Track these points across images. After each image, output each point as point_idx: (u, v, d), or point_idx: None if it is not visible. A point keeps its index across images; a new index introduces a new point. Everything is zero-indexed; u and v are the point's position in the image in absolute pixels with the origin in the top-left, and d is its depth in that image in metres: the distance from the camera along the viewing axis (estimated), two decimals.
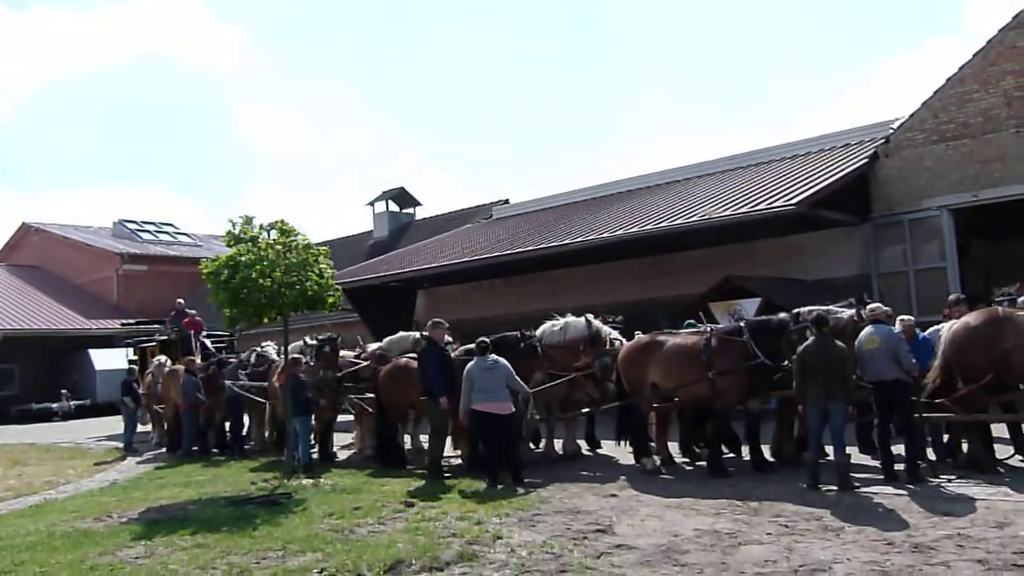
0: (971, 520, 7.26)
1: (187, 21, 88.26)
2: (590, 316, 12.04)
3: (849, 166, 16.58)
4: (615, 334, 12.16)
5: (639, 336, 11.88)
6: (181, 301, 22.24)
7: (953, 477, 9.18)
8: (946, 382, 9.60)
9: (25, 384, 33.95)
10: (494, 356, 10.76)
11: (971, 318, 9.71)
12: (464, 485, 10.41)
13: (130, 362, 23.77)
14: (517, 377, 10.74)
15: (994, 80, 15.42)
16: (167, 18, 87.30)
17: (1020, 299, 10.04)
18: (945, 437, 10.39)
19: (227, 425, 16.63)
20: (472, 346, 12.18)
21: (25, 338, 33.58)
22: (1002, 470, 9.35)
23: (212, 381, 16.52)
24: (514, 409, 10.65)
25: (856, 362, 9.42)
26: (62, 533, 9.13)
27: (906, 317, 10.62)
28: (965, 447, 9.90)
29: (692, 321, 12.78)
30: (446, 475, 11.18)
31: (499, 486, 10.15)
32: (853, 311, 10.04)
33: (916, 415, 9.37)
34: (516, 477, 10.38)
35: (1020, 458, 9.81)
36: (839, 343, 9.25)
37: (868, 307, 9.89)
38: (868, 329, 9.49)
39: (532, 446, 12.81)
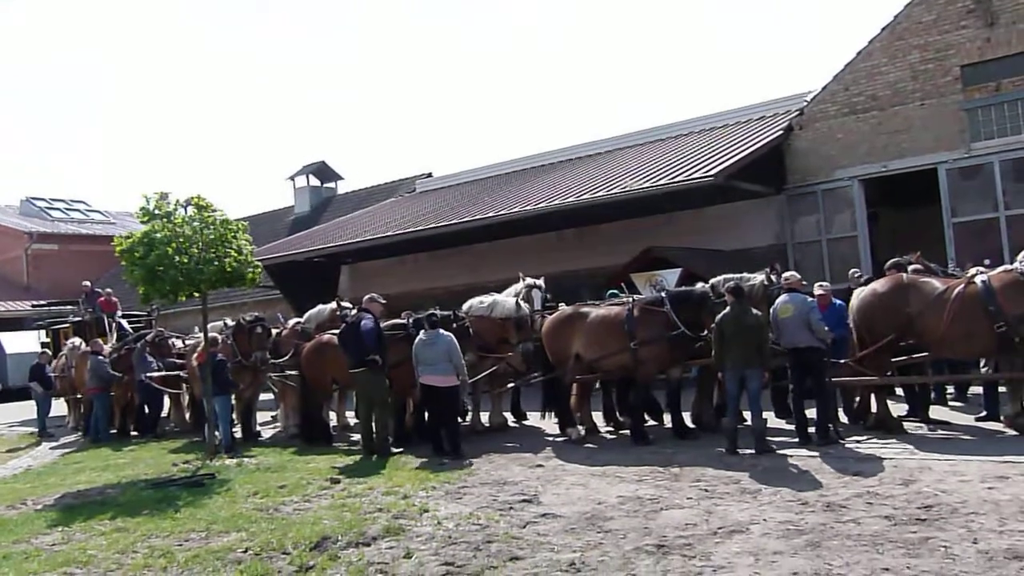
0: (879, 479, 7.60)
1: None
2: (521, 301, 12.11)
3: (765, 138, 16.94)
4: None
5: (562, 308, 12.01)
6: (88, 283, 21.55)
7: (863, 438, 9.58)
8: (858, 346, 9.98)
9: None
10: (436, 330, 10.72)
11: (878, 284, 10.11)
12: (394, 461, 10.40)
13: (42, 345, 22.95)
14: (459, 351, 10.70)
15: (901, 54, 15.92)
16: None
17: (911, 266, 10.45)
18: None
19: (144, 408, 16.23)
20: (398, 321, 12.17)
21: None
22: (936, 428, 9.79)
23: (125, 362, 16.08)
24: (456, 382, 10.66)
25: (771, 329, 9.70)
26: None
27: (824, 284, 11.00)
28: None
29: (615, 291, 12.95)
30: (396, 451, 10.98)
31: (443, 458, 10.21)
32: (763, 277, 10.31)
33: (827, 380, 9.70)
34: (455, 448, 10.43)
35: (914, 419, 10.30)
36: (755, 311, 9.51)
37: (783, 276, 10.16)
38: (783, 297, 9.77)
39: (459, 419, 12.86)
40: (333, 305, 14.32)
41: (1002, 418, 9.63)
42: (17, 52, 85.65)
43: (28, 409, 20.43)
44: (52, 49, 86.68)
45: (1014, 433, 9.13)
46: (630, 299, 11.31)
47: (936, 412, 10.86)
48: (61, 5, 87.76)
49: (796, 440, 9.49)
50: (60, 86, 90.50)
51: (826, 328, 9.53)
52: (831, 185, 16.71)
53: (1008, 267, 9.68)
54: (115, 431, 16.32)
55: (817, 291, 10.38)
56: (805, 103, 17.29)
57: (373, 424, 11.05)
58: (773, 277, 10.25)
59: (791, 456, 8.88)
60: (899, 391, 11.30)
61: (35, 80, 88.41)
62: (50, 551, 7.32)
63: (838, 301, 10.79)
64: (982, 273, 9.53)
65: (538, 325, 11.98)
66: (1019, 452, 8.12)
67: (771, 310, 9.75)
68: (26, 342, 29.21)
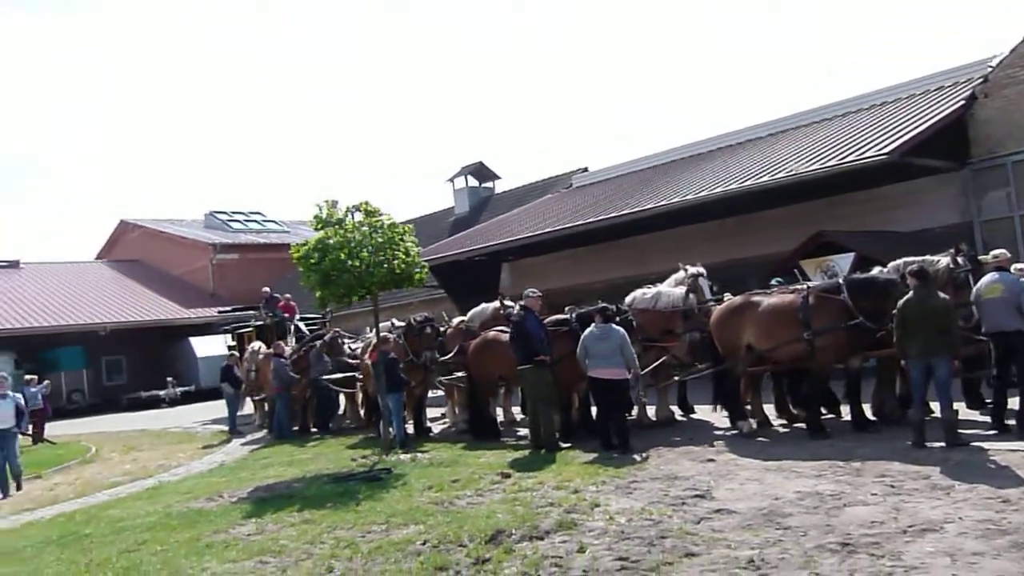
0: None
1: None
2: (674, 287, 11.92)
3: (944, 110, 15.75)
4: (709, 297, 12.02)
5: (731, 297, 11.65)
6: (267, 289, 22.85)
7: None
8: None
9: (133, 373, 35.59)
10: (608, 324, 10.69)
11: None
12: (562, 456, 10.44)
13: (229, 348, 24.57)
14: (630, 344, 10.63)
15: None
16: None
17: None
18: None
19: (321, 406, 17.12)
20: (561, 316, 12.21)
21: (130, 330, 35.11)
22: None
23: (303, 363, 17.00)
24: (628, 375, 10.60)
25: (972, 311, 9.02)
26: (178, 513, 9.57)
27: (1021, 265, 10.14)
28: None
29: (780, 279, 12.46)
30: (564, 446, 11.03)
31: (612, 452, 10.17)
32: (949, 259, 9.61)
33: None
34: (624, 442, 10.37)
35: None
36: (941, 294, 8.88)
37: (991, 254, 9.42)
38: (989, 276, 9.07)
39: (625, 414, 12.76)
40: (496, 303, 14.54)
41: None
42: (197, 78, 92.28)
43: (217, 408, 21.97)
44: (231, 73, 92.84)
45: None
46: (805, 286, 10.81)
47: None
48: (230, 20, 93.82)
49: (993, 432, 8.80)
50: (229, 103, 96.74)
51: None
52: (1023, 157, 15.35)
53: None
54: (297, 428, 17.26)
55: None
56: (990, 68, 15.96)
57: (541, 419, 11.13)
58: (960, 259, 9.52)
59: (987, 450, 8.23)
60: None
61: (215, 104, 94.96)
62: (246, 541, 7.82)
63: None
64: None
65: (708, 314, 11.70)
66: None
67: (975, 289, 9.07)
68: (214, 346, 31.44)
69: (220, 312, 30.87)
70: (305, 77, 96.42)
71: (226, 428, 19.14)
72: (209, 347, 32.74)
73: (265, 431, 18.21)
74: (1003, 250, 9.62)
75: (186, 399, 32.03)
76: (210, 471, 13.42)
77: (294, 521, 8.39)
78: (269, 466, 12.82)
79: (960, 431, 8.70)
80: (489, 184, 33.71)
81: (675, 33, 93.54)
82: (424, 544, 6.91)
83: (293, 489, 10.34)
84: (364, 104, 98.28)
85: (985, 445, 8.41)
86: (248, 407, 20.62)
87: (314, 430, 17.12)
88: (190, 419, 23.88)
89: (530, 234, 20.90)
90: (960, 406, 9.26)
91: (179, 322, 35.98)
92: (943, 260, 9.64)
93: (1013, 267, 9.75)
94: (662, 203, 17.80)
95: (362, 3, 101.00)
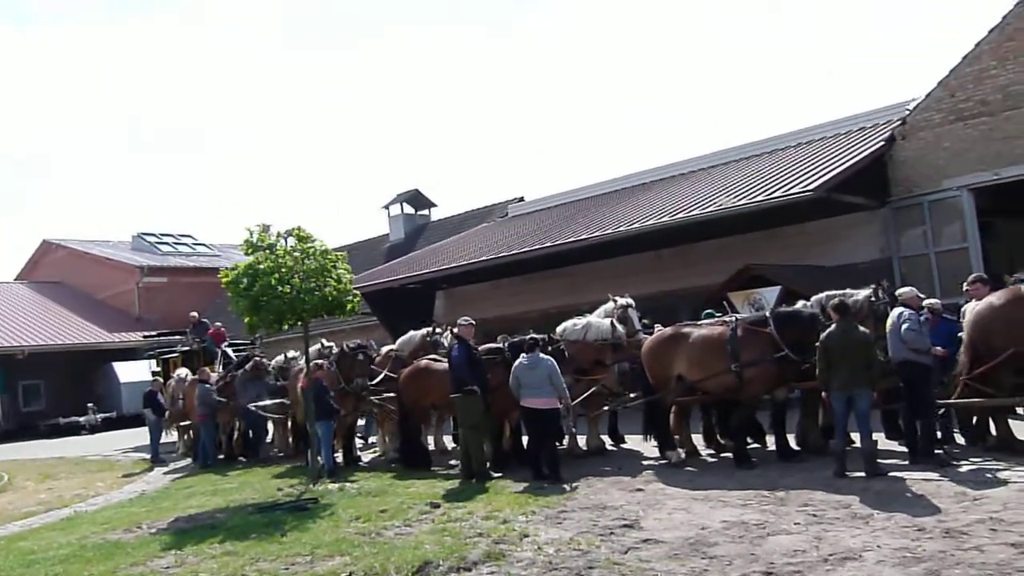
0: (1003, 503, 7.17)
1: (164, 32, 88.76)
2: (616, 321, 12.05)
3: (866, 149, 16.38)
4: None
5: (662, 328, 11.82)
6: (195, 314, 22.43)
7: (983, 459, 9.08)
8: (973, 362, 9.49)
9: (51, 399, 34.30)
10: (537, 354, 10.71)
11: (995, 298, 9.59)
12: (493, 485, 10.40)
13: (153, 374, 23.96)
14: (559, 374, 10.66)
15: (1012, 55, 15.17)
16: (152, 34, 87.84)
17: None
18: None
19: (249, 433, 16.77)
20: (494, 345, 12.23)
21: (50, 353, 33.87)
22: None
23: (230, 389, 16.67)
24: (558, 404, 10.63)
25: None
26: (93, 545, 9.22)
27: (933, 301, 10.53)
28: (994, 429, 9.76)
29: (711, 311, 12.70)
30: (495, 475, 11.01)
31: (543, 482, 10.17)
32: (869, 292, 9.92)
33: (930, 397, 9.25)
34: (555, 471, 10.38)
35: None
36: (862, 328, 9.16)
37: (898, 292, 9.74)
38: (894, 311, 9.42)
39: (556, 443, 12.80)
40: (424, 331, 14.50)
41: None
42: (130, 97, 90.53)
43: (141, 436, 21.31)
44: (166, 94, 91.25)
45: None
46: (733, 319, 11.03)
47: None
48: (161, 41, 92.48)
49: (908, 462, 9.07)
50: (169, 126, 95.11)
51: (914, 337, 9.05)
52: (938, 196, 16.00)
53: None
54: (222, 456, 16.87)
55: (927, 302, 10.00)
56: (907, 112, 16.65)
57: (471, 448, 11.09)
58: (880, 292, 9.85)
59: (905, 479, 8.48)
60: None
61: (146, 121, 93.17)
62: (165, 573, 7.58)
63: (948, 316, 10.33)
64: None
65: (637, 345, 11.84)
66: None
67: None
68: (138, 371, 30.58)
69: (145, 337, 30.09)
70: (237, 100, 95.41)
71: (148, 456, 18.58)
72: (133, 372, 31.82)
73: (189, 460, 17.74)
74: (911, 288, 9.92)
75: (107, 426, 31.02)
76: (130, 501, 12.99)
77: (216, 553, 8.16)
78: (192, 496, 12.48)
79: (879, 461, 8.94)
80: (425, 211, 33.70)
81: (611, 64, 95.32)
82: (349, 575, 6.79)
83: (216, 519, 10.07)
84: (300, 129, 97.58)
85: (902, 474, 8.66)
86: (173, 435, 20.06)
87: (240, 458, 16.74)
88: (111, 447, 23.11)
89: (465, 262, 20.93)
90: (879, 436, 9.52)
91: (102, 346, 34.88)
92: (863, 294, 9.95)
93: (925, 302, 10.16)
94: (596, 234, 18.03)
95: (296, 25, 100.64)
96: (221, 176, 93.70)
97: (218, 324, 21.72)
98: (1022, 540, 6.08)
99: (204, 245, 43.62)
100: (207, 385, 16.66)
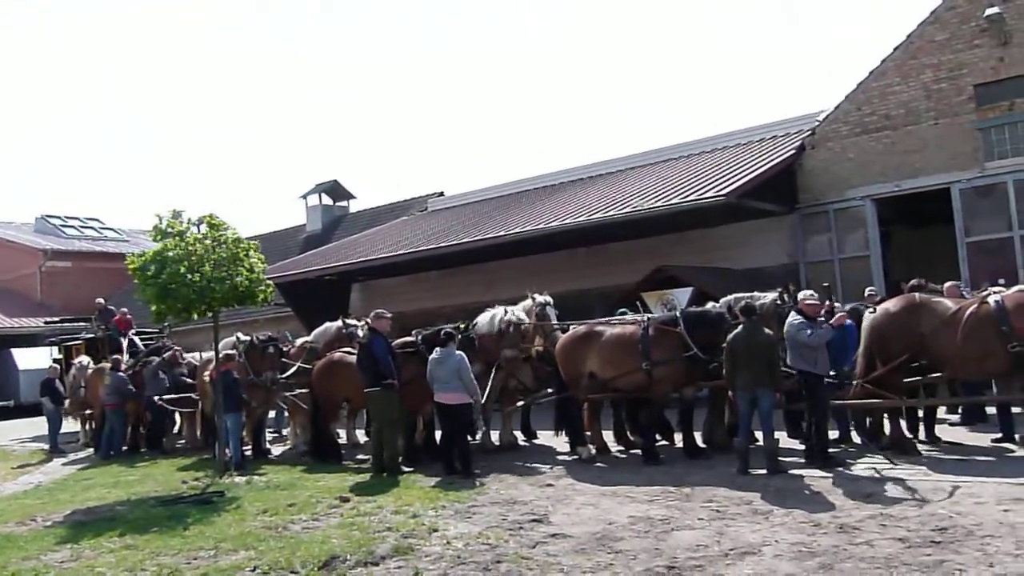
0: (893, 500, 7.52)
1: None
2: (507, 308, 12.21)
3: (776, 157, 16.91)
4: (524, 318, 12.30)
5: (575, 327, 11.97)
6: (101, 300, 21.71)
7: (876, 458, 9.49)
8: (869, 366, 9.91)
9: None
10: (448, 348, 10.70)
11: (891, 304, 10.05)
12: (404, 479, 10.36)
13: (54, 361, 23.07)
14: (469, 369, 10.67)
15: (914, 73, 15.88)
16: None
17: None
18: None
19: (154, 424, 16.31)
20: (408, 339, 12.19)
21: None
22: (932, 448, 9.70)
23: (138, 379, 16.21)
24: (467, 399, 10.64)
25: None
26: None
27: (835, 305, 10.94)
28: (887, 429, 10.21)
29: (624, 309, 12.93)
30: (406, 470, 10.93)
31: (454, 477, 10.18)
32: (775, 295, 10.23)
33: (825, 403, 9.58)
34: (466, 466, 10.40)
35: (925, 441, 10.26)
36: (767, 330, 9.45)
37: (799, 295, 9.98)
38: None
39: (469, 438, 12.83)
40: (339, 323, 14.36)
41: (1017, 439, 9.53)
42: (34, 70, 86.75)
43: (40, 426, 20.51)
44: (67, 66, 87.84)
45: None
46: (645, 318, 11.24)
47: (952, 433, 10.81)
48: (70, 22, 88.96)
49: (806, 461, 9.43)
50: (72, 104, 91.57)
51: (807, 339, 9.31)
52: (843, 205, 16.65)
53: (1022, 287, 9.61)
54: (126, 448, 16.39)
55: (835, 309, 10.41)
56: (817, 123, 17.27)
57: (385, 443, 11.03)
58: (785, 296, 10.18)
59: (803, 477, 8.80)
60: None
61: (47, 98, 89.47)
62: (59, 568, 7.31)
63: (848, 321, 10.75)
64: (995, 293, 9.47)
65: (554, 340, 11.97)
66: None
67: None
68: (38, 359, 29.33)
69: (47, 323, 28.92)
70: (157, 80, 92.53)
71: (46, 446, 17.88)
72: (33, 359, 30.44)
73: (91, 450, 17.15)
74: (810, 291, 10.11)
75: (4, 414, 29.66)
76: (24, 492, 12.48)
77: (114, 547, 7.91)
78: (91, 487, 12.07)
79: (780, 459, 9.25)
80: (343, 203, 33.26)
81: (539, 62, 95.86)
82: (254, 570, 6.68)
83: (116, 512, 9.76)
84: (218, 113, 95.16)
85: (801, 472, 8.99)
86: (73, 424, 19.36)
87: (144, 450, 16.27)
88: (7, 436, 22.13)
89: (382, 255, 20.77)
90: (781, 435, 9.86)
91: (0, 332, 33.38)
92: (769, 297, 10.28)
93: (836, 307, 10.56)
94: (514, 231, 18.14)
95: (218, 4, 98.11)
96: (133, 160, 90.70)
97: (124, 311, 21.04)
98: (909, 535, 6.39)
99: (112, 230, 42.13)
100: (120, 374, 16.15)
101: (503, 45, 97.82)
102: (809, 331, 9.28)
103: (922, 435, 10.49)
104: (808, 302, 9.64)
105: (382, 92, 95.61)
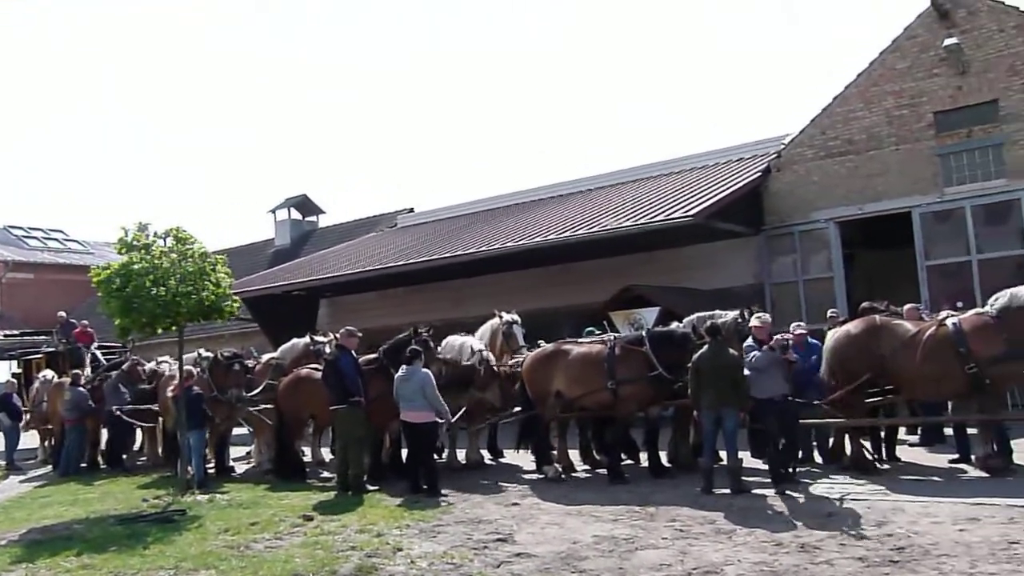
0: (853, 520, 7.63)
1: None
2: (480, 342, 12.42)
3: (743, 179, 17.14)
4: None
5: (543, 345, 12.02)
6: (63, 314, 21.39)
7: (837, 478, 9.62)
8: (831, 387, 10.05)
9: None
10: (414, 366, 10.66)
11: (851, 326, 10.22)
12: (369, 498, 10.30)
13: (12, 375, 22.64)
14: (434, 387, 10.63)
15: (876, 100, 16.21)
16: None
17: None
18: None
19: (114, 441, 16.07)
20: (374, 355, 12.15)
21: None
22: (887, 465, 9.84)
23: (98, 394, 15.96)
24: (432, 418, 10.59)
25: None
26: None
27: (798, 326, 11.12)
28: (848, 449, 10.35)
29: (591, 328, 13.00)
30: (371, 488, 10.88)
31: (419, 495, 10.14)
32: (736, 314, 10.35)
33: (780, 427, 9.66)
34: (432, 485, 10.36)
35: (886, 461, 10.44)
36: (732, 351, 9.55)
37: (755, 317, 9.97)
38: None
39: (435, 456, 12.80)
40: (306, 339, 14.28)
41: (973, 460, 9.71)
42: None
43: None
44: (26, 72, 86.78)
45: (985, 474, 9.20)
46: (612, 337, 11.31)
47: (911, 454, 10.98)
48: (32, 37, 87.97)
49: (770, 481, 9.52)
50: (36, 111, 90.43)
51: (754, 376, 9.33)
52: (808, 227, 16.90)
53: (979, 310, 9.83)
54: (85, 464, 16.10)
55: (796, 330, 10.55)
56: (783, 146, 17.54)
57: (351, 461, 10.96)
58: (745, 315, 10.26)
59: (767, 496, 8.90)
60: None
61: (5, 106, 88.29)
62: None
63: (814, 340, 10.91)
64: (953, 315, 9.67)
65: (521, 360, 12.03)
66: (990, 494, 8.19)
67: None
68: None
69: (7, 335, 28.39)
70: (121, 90, 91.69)
71: (2, 463, 17.53)
72: None
73: (49, 467, 16.83)
74: (764, 315, 10.04)
75: None
76: None
77: (71, 566, 7.78)
78: (49, 505, 11.85)
79: (744, 479, 9.34)
80: (313, 218, 33.12)
81: (509, 78, 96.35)
82: None
83: (73, 531, 9.59)
84: (187, 126, 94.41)
85: (764, 491, 9.08)
86: (31, 440, 18.99)
87: (104, 467, 16.00)
88: None
89: (350, 271, 20.70)
90: (745, 455, 9.96)
91: None
92: (730, 316, 10.39)
93: (793, 327, 10.72)
94: (483, 248, 18.18)
95: (191, 21, 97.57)
96: (100, 171, 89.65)
97: (84, 323, 20.74)
98: (868, 554, 6.49)
99: (76, 241, 41.52)
100: (80, 389, 15.89)
101: (466, 62, 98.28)
102: (751, 355, 9.36)
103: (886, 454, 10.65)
104: (755, 325, 9.70)
105: (352, 108, 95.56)
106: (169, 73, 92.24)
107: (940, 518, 7.44)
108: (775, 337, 9.83)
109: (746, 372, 9.33)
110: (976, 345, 9.21)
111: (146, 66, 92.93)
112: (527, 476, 11.46)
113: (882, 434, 10.82)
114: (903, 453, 10.87)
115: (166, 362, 16.25)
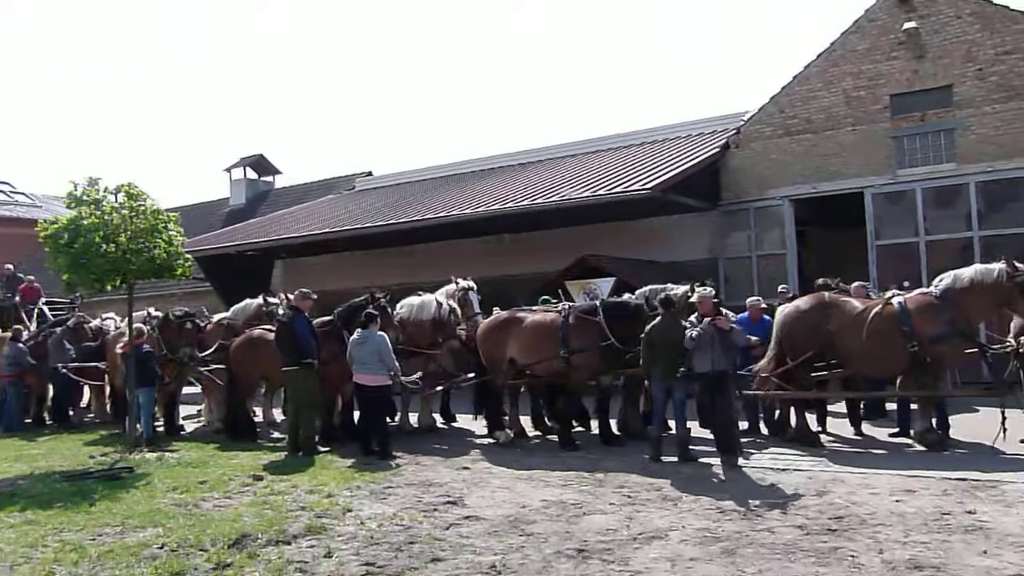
0: (794, 489, 7.83)
1: None
2: (443, 298, 12.21)
3: (702, 154, 17.28)
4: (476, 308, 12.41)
5: (498, 312, 12.06)
6: (10, 266, 20.86)
7: (782, 449, 9.86)
8: (779, 360, 10.26)
9: None
10: (369, 329, 10.64)
11: (801, 302, 10.43)
12: (320, 459, 10.31)
13: None
14: (391, 351, 10.64)
15: (835, 80, 16.41)
16: None
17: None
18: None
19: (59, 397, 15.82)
20: (327, 318, 12.09)
21: None
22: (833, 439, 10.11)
23: (42, 350, 15.70)
24: (387, 381, 10.62)
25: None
26: None
27: (753, 299, 11.33)
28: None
29: (547, 297, 13.07)
30: (323, 450, 10.89)
31: (371, 458, 10.16)
32: (687, 288, 10.46)
33: (725, 400, 9.83)
34: (384, 447, 10.40)
35: (853, 431, 10.77)
36: (684, 323, 9.67)
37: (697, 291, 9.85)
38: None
39: (388, 419, 12.81)
40: (259, 300, 14.14)
41: (912, 434, 10.00)
42: None
43: None
44: None
45: (923, 448, 9.49)
46: (566, 306, 11.39)
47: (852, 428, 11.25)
48: None
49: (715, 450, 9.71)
50: None
51: (692, 346, 9.23)
52: (763, 203, 17.12)
53: (924, 290, 10.07)
54: (30, 420, 15.85)
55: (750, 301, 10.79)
56: (742, 122, 17.69)
57: (302, 422, 10.95)
58: (695, 288, 10.35)
59: (713, 465, 9.08)
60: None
61: None
62: None
63: (767, 316, 11.11)
64: (899, 295, 9.90)
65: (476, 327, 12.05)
66: (926, 466, 8.44)
67: None
68: None
69: None
70: (75, 41, 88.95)
71: None
72: None
73: None
74: (708, 289, 9.83)
75: None
76: None
77: (14, 522, 7.67)
78: None
79: (691, 448, 9.53)
80: (269, 178, 32.64)
81: (474, 45, 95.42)
82: (161, 548, 6.57)
83: (17, 487, 9.43)
84: (142, 82, 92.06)
85: (711, 461, 9.27)
86: None
87: (50, 423, 15.76)
88: None
89: (306, 234, 20.53)
90: (693, 425, 10.15)
91: None
92: (682, 289, 10.52)
93: (747, 301, 10.91)
94: (440, 215, 18.15)
95: None
96: (50, 123, 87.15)
97: (31, 278, 20.28)
98: (808, 523, 6.67)
99: (23, 194, 40.39)
100: (20, 344, 15.60)
101: (432, 24, 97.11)
102: (690, 331, 9.29)
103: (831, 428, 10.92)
104: (696, 299, 9.62)
105: (312, 67, 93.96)
106: (126, 25, 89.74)
107: (877, 489, 7.65)
108: (719, 317, 9.73)
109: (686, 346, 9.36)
110: (920, 324, 9.44)
111: (103, 18, 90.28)
112: (479, 441, 11.55)
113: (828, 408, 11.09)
114: (845, 428, 11.12)
115: (112, 319, 16.01)
